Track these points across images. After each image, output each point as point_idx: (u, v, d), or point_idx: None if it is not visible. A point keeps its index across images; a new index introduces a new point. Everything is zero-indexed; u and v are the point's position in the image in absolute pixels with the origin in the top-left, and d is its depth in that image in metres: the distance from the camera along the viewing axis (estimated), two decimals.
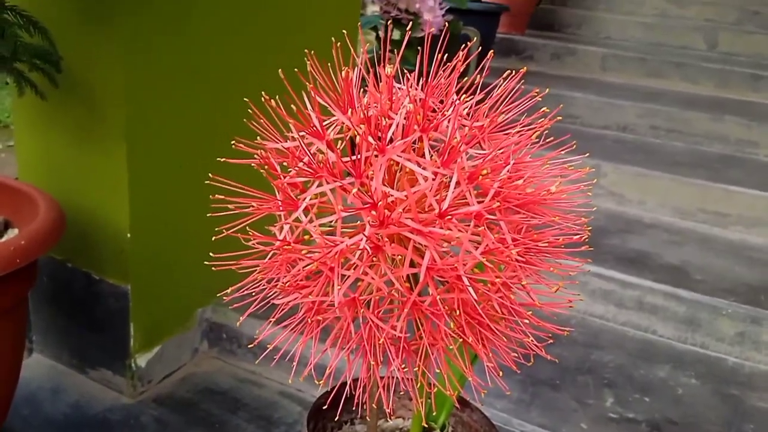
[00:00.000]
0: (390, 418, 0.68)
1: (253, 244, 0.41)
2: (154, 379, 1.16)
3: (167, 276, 1.15)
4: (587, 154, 0.43)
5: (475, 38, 1.94)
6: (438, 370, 0.37)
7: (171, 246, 1.14)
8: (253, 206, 0.39)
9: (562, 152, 0.43)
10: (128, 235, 1.05)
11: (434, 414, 0.63)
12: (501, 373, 0.38)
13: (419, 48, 0.42)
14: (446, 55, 0.42)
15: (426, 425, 0.63)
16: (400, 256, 0.35)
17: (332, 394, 0.58)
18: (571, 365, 1.23)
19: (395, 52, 0.44)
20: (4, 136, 2.62)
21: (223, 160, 0.41)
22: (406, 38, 0.46)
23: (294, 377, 1.12)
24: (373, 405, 0.48)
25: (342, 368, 0.41)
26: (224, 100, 1.15)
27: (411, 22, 1.51)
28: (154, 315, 1.14)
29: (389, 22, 1.61)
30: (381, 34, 1.79)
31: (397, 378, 0.39)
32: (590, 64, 2.67)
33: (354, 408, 0.69)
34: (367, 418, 0.59)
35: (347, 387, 0.42)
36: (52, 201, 0.92)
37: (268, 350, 0.46)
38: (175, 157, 1.10)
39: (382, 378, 0.40)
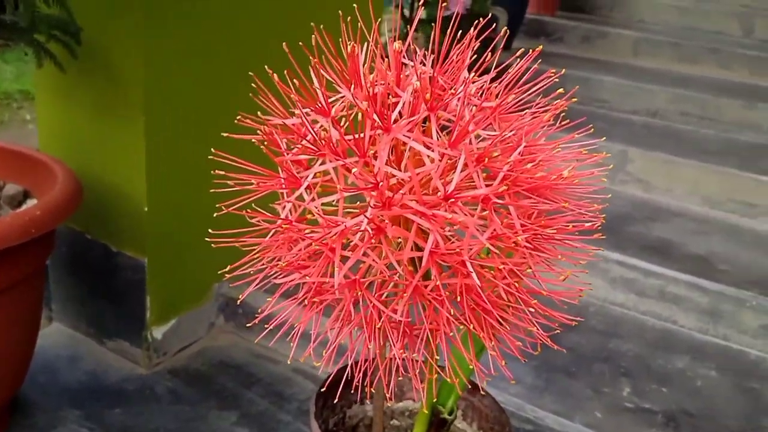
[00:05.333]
0: (390, 401, 0.68)
1: (257, 221, 0.40)
2: (169, 351, 1.17)
3: (184, 250, 1.15)
4: (603, 138, 0.41)
5: (502, 19, 1.90)
6: (437, 357, 0.36)
7: (187, 220, 1.14)
8: (256, 183, 0.38)
9: (580, 135, 0.41)
10: (145, 208, 1.05)
11: (441, 398, 0.62)
12: (504, 362, 0.37)
13: (435, 26, 0.40)
14: (459, 33, 0.40)
15: (434, 409, 0.62)
16: (403, 239, 0.34)
17: (341, 374, 0.58)
18: (588, 353, 1.22)
19: (419, 32, 0.43)
20: (33, 107, 2.66)
21: (226, 135, 0.40)
22: (417, 16, 0.45)
23: (306, 356, 1.11)
24: (375, 388, 0.47)
25: (335, 346, 0.40)
26: (239, 75, 1.14)
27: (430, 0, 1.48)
28: (170, 288, 1.15)
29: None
30: (406, 12, 1.76)
31: (406, 360, 0.38)
32: (621, 48, 2.60)
33: (362, 389, 0.68)
34: (368, 400, 0.58)
35: (354, 368, 0.41)
36: (70, 172, 0.92)
37: (273, 326, 0.45)
38: (191, 131, 1.09)
39: (384, 360, 0.39)
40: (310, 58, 0.38)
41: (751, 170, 1.72)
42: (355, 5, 0.42)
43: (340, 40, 0.41)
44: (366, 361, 0.42)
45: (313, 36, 0.37)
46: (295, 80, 0.37)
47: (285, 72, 0.40)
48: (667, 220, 1.65)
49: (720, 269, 1.41)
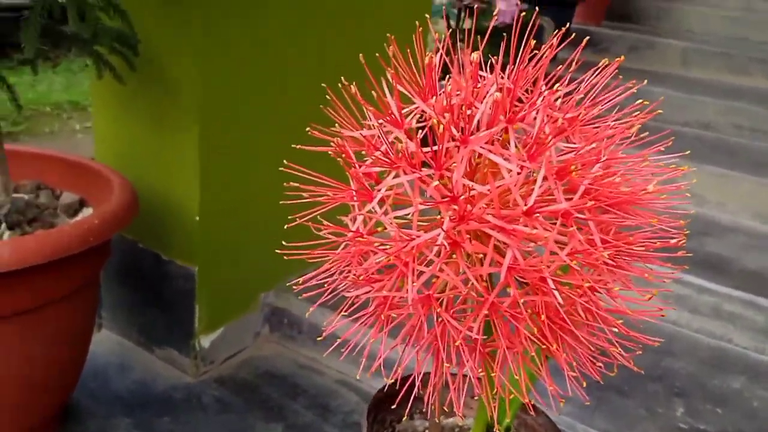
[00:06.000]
0: (462, 418, 0.67)
1: (325, 233, 0.40)
2: (216, 360, 1.18)
3: (232, 260, 1.16)
4: (688, 152, 0.39)
5: (548, 29, 1.88)
6: (513, 374, 0.35)
7: (237, 230, 1.15)
8: (327, 195, 0.38)
9: (657, 150, 0.40)
10: (197, 218, 1.06)
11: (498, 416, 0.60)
12: (585, 383, 0.36)
13: (492, 37, 0.40)
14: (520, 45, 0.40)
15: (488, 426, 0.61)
16: (479, 254, 0.33)
17: (395, 388, 0.57)
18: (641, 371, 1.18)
19: (465, 42, 0.42)
20: (82, 117, 2.73)
21: (298, 147, 0.40)
22: (490, 28, 0.44)
23: (354, 369, 1.11)
24: (438, 405, 0.46)
25: (405, 362, 0.39)
26: (297, 87, 1.15)
27: (482, 10, 1.47)
28: (218, 297, 1.15)
29: (461, 10, 1.58)
30: (452, 23, 1.76)
31: (466, 378, 0.37)
32: (670, 58, 2.55)
33: (414, 402, 0.67)
34: (435, 417, 0.57)
35: (409, 382, 0.40)
36: (126, 182, 0.93)
37: (331, 340, 0.45)
38: (246, 143, 1.10)
39: (453, 377, 0.38)
40: (385, 68, 0.37)
41: None
42: (418, 19, 0.42)
43: (409, 50, 0.40)
44: (422, 376, 0.41)
45: (388, 48, 0.37)
46: (372, 91, 0.37)
47: (354, 83, 0.40)
48: (720, 236, 1.61)
49: None
